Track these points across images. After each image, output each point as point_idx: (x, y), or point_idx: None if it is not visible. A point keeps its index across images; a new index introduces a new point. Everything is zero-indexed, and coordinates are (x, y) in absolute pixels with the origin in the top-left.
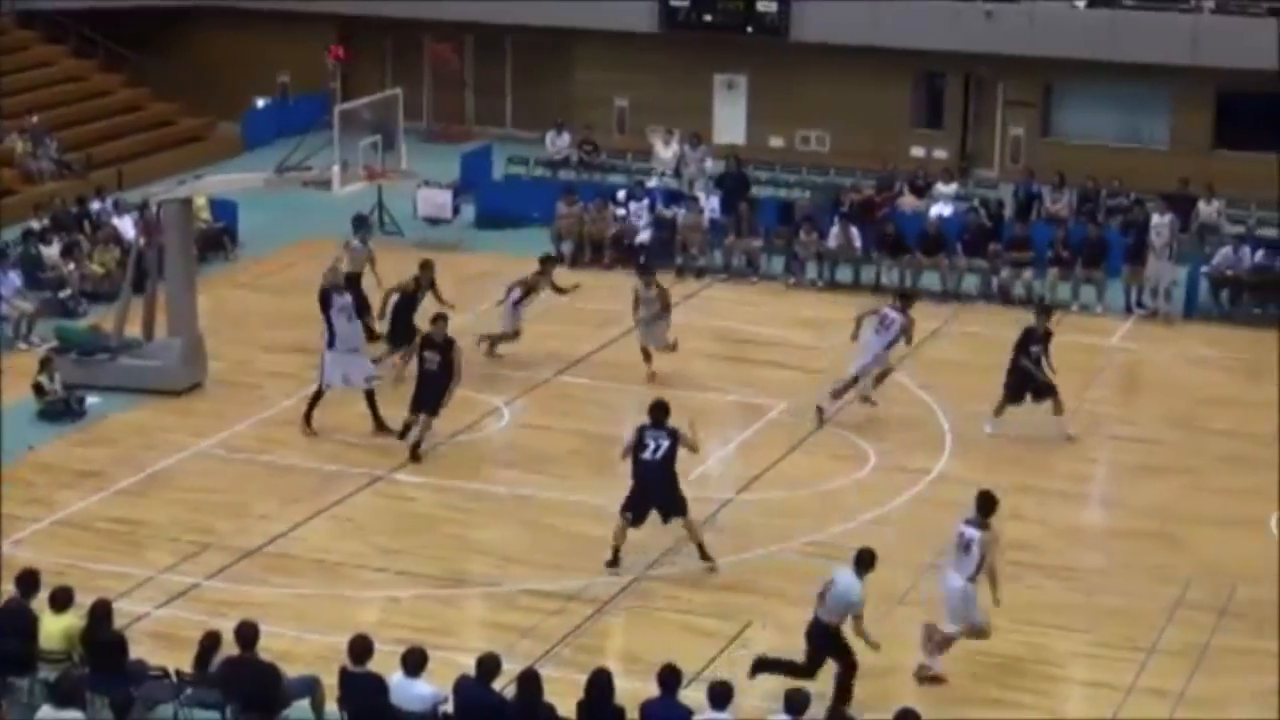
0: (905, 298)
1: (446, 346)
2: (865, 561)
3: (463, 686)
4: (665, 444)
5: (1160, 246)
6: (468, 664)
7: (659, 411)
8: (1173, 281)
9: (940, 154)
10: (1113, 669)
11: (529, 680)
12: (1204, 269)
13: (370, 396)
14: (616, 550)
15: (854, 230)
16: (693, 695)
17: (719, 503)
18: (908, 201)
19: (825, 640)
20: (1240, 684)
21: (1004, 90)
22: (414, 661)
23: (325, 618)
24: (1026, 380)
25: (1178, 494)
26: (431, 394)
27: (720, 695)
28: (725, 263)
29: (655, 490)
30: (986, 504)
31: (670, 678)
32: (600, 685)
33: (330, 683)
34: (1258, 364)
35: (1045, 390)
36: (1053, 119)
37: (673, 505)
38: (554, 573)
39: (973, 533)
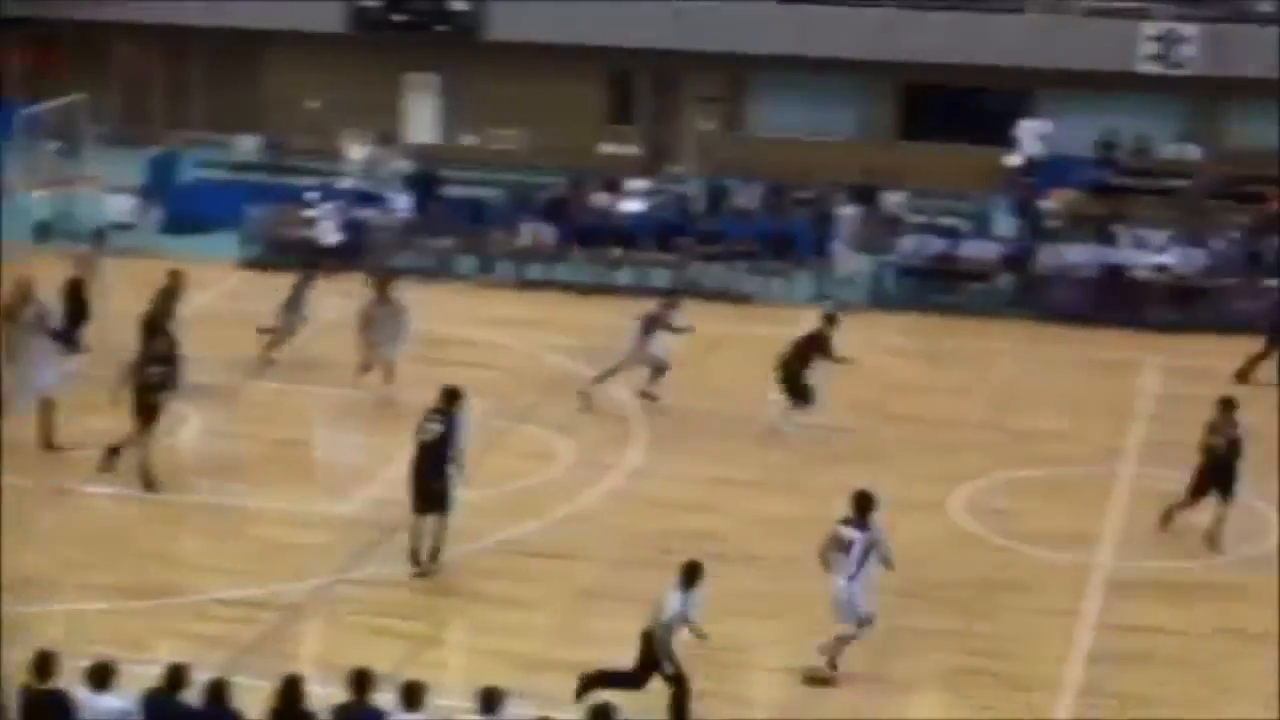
0: (671, 294)
1: (169, 359)
2: (688, 575)
3: (151, 699)
4: (439, 430)
5: (846, 237)
6: (156, 676)
7: (444, 397)
8: (858, 271)
9: (631, 150)
10: (806, 655)
11: (217, 689)
12: (889, 259)
13: (47, 407)
14: (414, 552)
15: (546, 228)
16: (385, 698)
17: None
18: (600, 198)
19: (654, 657)
20: (927, 663)
21: (693, 86)
22: (101, 676)
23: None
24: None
25: (864, 479)
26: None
27: (412, 696)
28: (417, 263)
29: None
30: (865, 504)
31: (361, 681)
32: (291, 692)
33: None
34: (941, 351)
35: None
36: (742, 113)
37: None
38: (244, 580)
39: (853, 533)
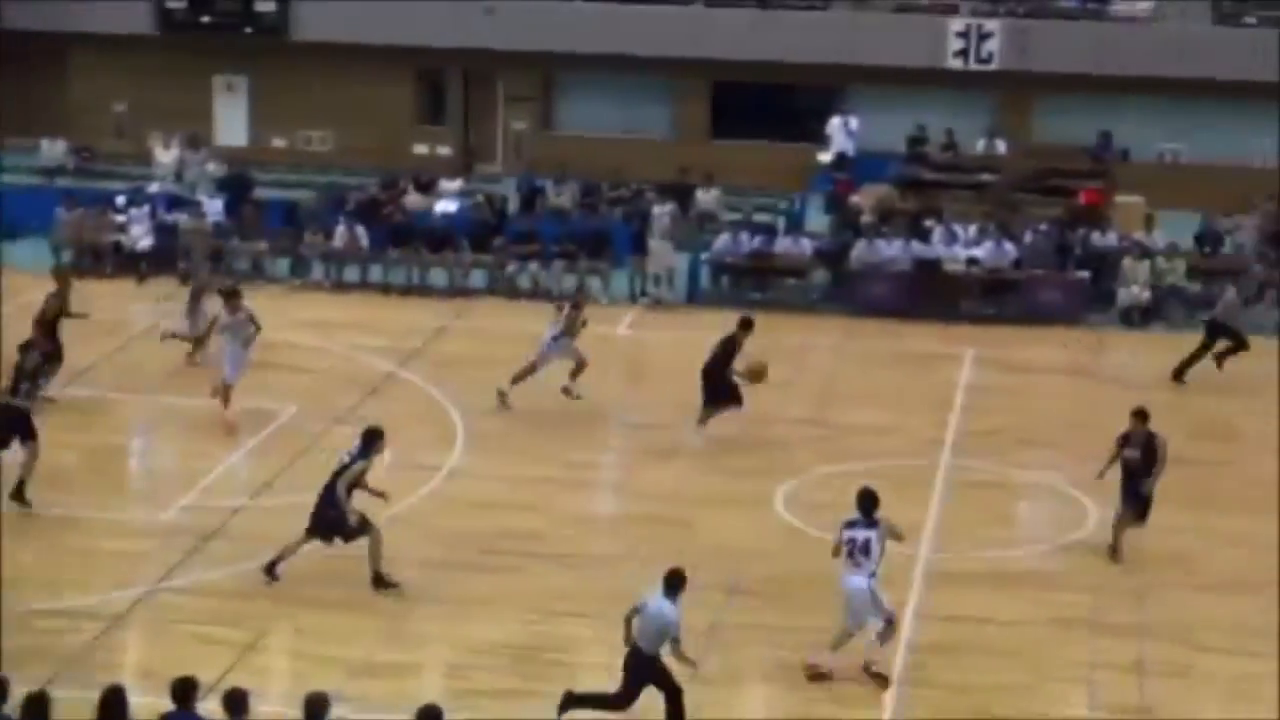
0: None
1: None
2: (675, 583)
3: None
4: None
5: (661, 235)
6: None
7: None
8: (673, 269)
9: (444, 151)
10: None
11: (36, 702)
12: (704, 256)
13: None
14: (274, 562)
15: (360, 229)
16: (209, 706)
17: (230, 510)
18: (413, 199)
19: (646, 670)
20: (753, 658)
21: (505, 85)
22: None
23: None
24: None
25: (686, 477)
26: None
27: (235, 703)
28: (230, 267)
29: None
30: (871, 502)
31: (185, 689)
32: (113, 702)
33: None
34: (757, 346)
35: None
36: (555, 112)
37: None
38: (65, 590)
39: (867, 533)
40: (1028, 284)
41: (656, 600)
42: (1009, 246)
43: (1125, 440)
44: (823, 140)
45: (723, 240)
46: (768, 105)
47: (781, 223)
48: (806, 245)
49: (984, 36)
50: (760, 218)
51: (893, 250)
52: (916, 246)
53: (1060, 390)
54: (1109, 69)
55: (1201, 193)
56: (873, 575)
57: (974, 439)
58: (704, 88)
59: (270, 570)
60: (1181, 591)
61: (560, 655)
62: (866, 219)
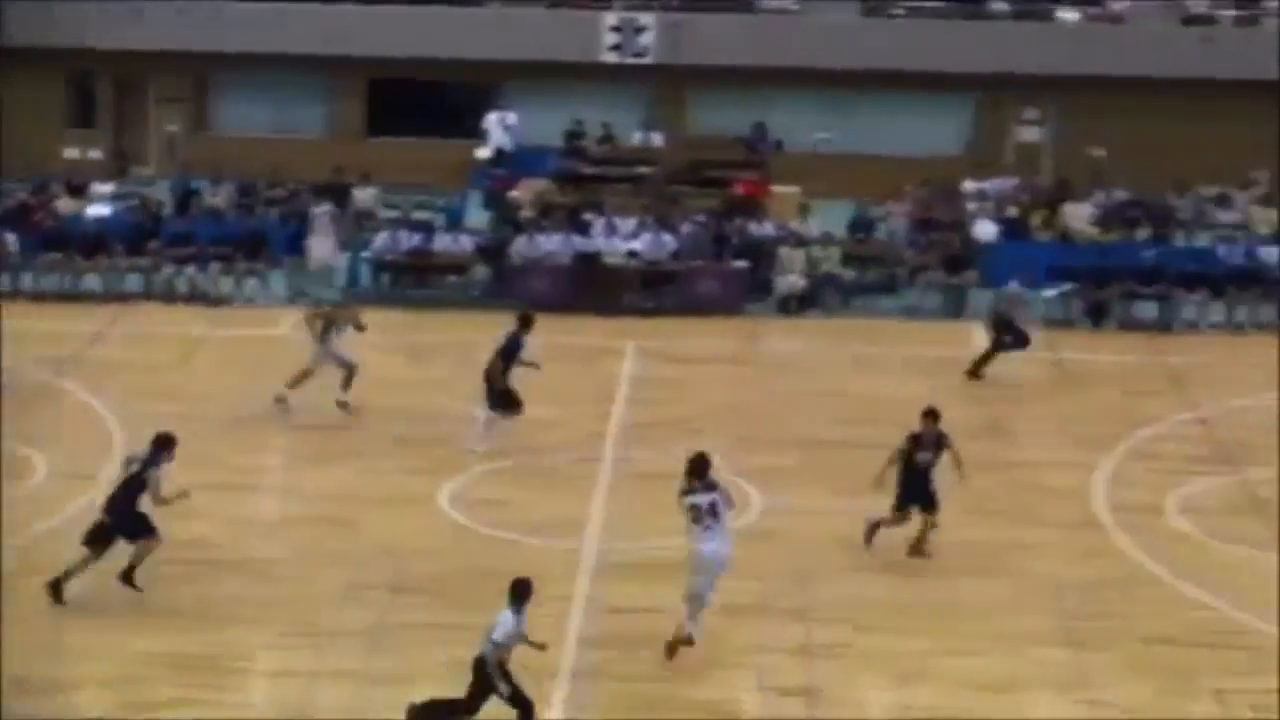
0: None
1: None
2: (520, 593)
3: None
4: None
5: (320, 235)
6: None
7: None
8: (333, 268)
9: (95, 154)
10: (295, 657)
11: None
12: (364, 254)
13: None
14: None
15: (10, 236)
16: None
17: None
18: (65, 204)
19: (489, 679)
20: (422, 658)
21: (157, 87)
22: None
23: None
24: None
25: (352, 478)
26: None
27: None
28: None
29: None
30: (704, 466)
31: None
32: None
33: None
34: (421, 345)
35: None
36: (208, 113)
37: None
38: None
39: (710, 496)
40: (687, 275)
41: (501, 612)
42: (667, 238)
43: (916, 441)
44: (480, 136)
45: (382, 238)
46: (425, 102)
47: (441, 219)
48: (466, 242)
49: (638, 30)
50: (419, 215)
51: (552, 244)
52: (576, 240)
53: (722, 380)
54: (761, 61)
55: (854, 181)
56: (725, 539)
57: (638, 430)
58: (359, 86)
59: (56, 590)
60: (843, 574)
61: (227, 662)
62: (525, 214)
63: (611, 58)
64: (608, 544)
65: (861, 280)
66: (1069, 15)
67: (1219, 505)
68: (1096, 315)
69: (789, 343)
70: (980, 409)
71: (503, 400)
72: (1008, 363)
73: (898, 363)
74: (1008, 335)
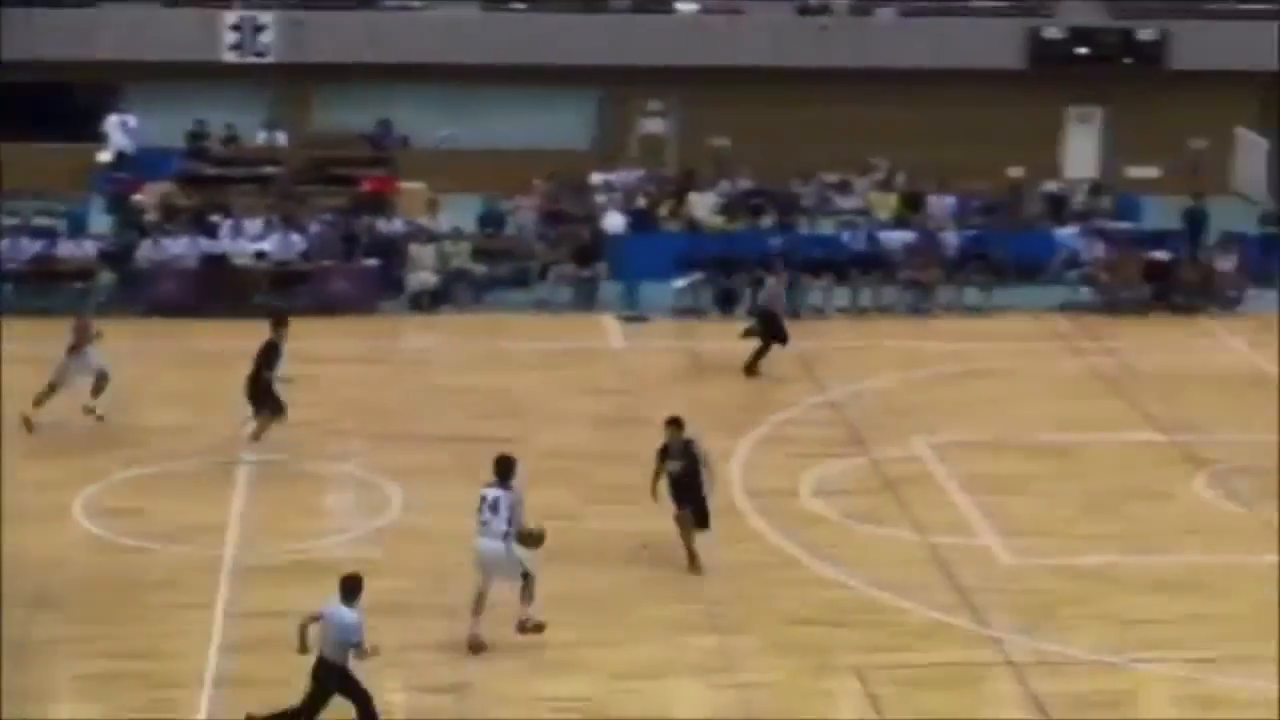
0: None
1: None
2: (352, 589)
3: None
4: None
5: None
6: None
7: None
8: None
9: None
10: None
11: None
12: None
13: None
14: None
15: None
16: None
17: None
18: None
19: (334, 679)
20: (63, 673)
21: None
22: None
23: None
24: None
25: None
26: None
27: None
28: None
29: None
30: (508, 467)
31: None
32: None
33: None
34: (45, 354)
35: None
36: None
37: None
38: None
39: (496, 492)
40: (317, 275)
41: (335, 608)
42: (296, 238)
43: (665, 452)
44: (102, 139)
45: (2, 246)
46: (44, 105)
47: (64, 225)
48: (90, 247)
49: (258, 29)
50: (40, 221)
51: (179, 247)
52: (203, 242)
53: (357, 379)
54: (384, 58)
55: (482, 176)
56: (506, 536)
57: (275, 432)
58: None
59: None
60: None
61: None
62: (150, 217)
63: (232, 57)
64: (248, 547)
65: (493, 275)
66: (688, 7)
67: (851, 486)
68: (726, 303)
69: (423, 339)
70: (616, 400)
71: (268, 403)
72: (645, 354)
73: (531, 356)
74: (774, 328)
